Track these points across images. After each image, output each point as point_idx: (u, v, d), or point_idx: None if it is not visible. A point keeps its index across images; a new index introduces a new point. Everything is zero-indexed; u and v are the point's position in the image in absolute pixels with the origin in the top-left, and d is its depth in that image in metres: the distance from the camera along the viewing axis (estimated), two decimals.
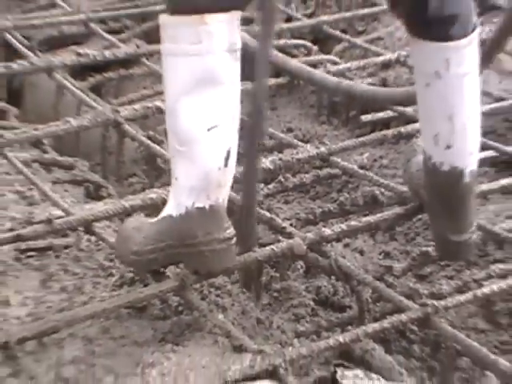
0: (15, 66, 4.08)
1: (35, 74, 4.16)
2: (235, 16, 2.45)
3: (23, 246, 2.85)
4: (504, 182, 3.14)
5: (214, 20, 2.38)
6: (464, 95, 2.75)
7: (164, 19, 2.48)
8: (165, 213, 2.54)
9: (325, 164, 3.26)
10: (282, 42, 4.49)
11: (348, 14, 4.67)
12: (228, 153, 2.48)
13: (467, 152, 2.80)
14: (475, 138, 2.81)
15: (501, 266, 2.99)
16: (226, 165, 2.49)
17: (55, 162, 3.60)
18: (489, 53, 3.32)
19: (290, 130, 3.59)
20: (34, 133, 3.59)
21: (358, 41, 4.42)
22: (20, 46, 4.32)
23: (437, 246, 2.99)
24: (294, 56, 4.44)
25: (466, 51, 2.71)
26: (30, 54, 4.26)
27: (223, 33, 2.42)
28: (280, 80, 3.97)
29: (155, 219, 2.60)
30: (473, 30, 2.68)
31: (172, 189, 2.57)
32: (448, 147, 2.72)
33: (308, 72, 3.99)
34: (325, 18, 4.57)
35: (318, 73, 4.00)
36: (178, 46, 2.47)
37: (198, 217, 2.49)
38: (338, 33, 4.56)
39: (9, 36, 4.36)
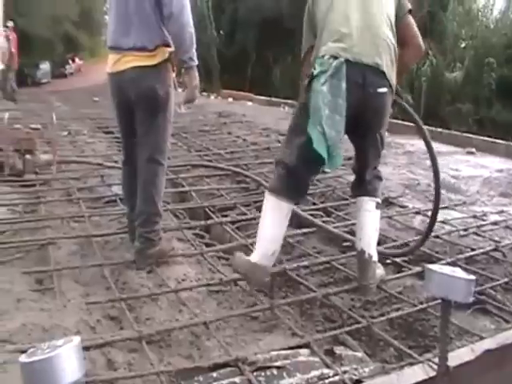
0: (209, 221, 4.10)
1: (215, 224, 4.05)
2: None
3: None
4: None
5: (282, 201, 2.65)
6: (373, 219, 2.86)
7: (267, 195, 2.70)
8: (252, 259, 2.68)
9: None
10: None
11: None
12: (274, 251, 2.68)
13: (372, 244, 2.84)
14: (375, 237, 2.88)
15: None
16: (272, 255, 2.68)
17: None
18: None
19: None
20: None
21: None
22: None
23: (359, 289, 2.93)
24: None
25: (376, 203, 2.84)
26: (214, 216, 4.18)
27: (287, 206, 2.67)
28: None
29: (250, 258, 2.71)
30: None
31: (255, 255, 2.69)
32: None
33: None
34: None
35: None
36: (270, 204, 2.68)
37: (259, 266, 2.66)
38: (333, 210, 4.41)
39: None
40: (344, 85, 2.50)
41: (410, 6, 2.81)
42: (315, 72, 2.59)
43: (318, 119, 2.48)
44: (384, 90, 2.63)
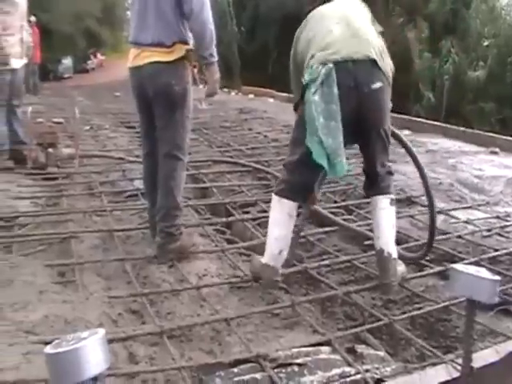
0: (231, 218, 4.08)
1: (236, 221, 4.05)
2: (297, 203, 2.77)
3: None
4: None
5: (286, 201, 2.69)
6: (388, 217, 2.84)
7: (273, 195, 2.77)
8: (262, 259, 2.80)
9: None
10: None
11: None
12: (281, 250, 2.75)
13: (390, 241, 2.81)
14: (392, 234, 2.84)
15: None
16: (279, 254, 2.75)
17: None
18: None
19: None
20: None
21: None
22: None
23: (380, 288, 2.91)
24: None
25: (390, 199, 2.82)
26: (235, 213, 4.26)
27: (289, 205, 2.71)
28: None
29: (261, 259, 2.83)
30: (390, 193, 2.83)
31: (265, 255, 2.80)
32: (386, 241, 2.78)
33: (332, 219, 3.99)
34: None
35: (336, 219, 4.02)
36: (274, 204, 2.76)
37: (268, 266, 2.78)
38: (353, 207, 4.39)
39: None
40: (336, 90, 2.49)
41: (381, 28, 2.85)
42: (304, 81, 2.60)
43: (314, 129, 2.51)
44: (379, 84, 2.60)
